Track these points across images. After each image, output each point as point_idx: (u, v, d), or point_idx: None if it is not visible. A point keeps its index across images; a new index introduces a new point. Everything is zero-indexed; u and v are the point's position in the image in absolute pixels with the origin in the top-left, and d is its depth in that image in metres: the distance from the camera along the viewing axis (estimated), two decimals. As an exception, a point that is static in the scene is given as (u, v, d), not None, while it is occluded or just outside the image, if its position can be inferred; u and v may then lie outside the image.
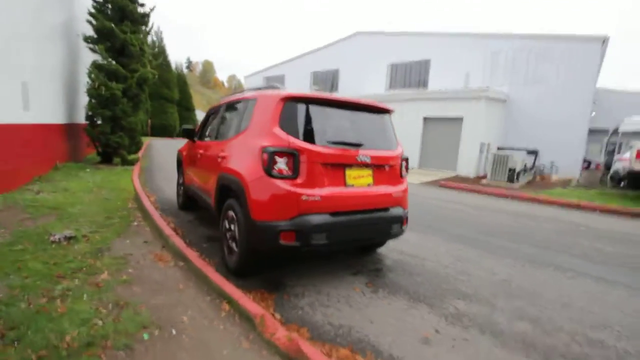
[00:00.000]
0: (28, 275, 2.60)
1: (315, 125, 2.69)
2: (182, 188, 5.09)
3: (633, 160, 7.77)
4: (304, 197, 2.56)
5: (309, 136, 2.65)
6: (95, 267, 2.87)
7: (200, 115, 30.13)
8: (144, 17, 9.31)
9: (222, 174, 3.14)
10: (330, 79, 23.30)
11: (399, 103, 15.77)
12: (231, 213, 2.96)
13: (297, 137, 2.61)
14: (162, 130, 23.36)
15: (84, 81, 8.58)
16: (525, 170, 12.10)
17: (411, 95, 16.01)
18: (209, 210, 3.71)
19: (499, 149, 13.24)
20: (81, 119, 8.91)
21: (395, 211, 3.06)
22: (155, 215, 4.33)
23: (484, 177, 12.24)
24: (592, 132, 15.65)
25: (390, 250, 3.92)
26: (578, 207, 7.57)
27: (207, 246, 3.66)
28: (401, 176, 3.20)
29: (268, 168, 2.55)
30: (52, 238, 3.40)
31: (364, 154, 2.84)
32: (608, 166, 14.58)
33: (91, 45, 8.51)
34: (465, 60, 16.87)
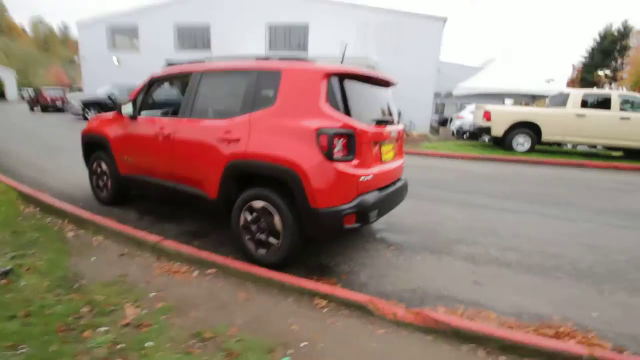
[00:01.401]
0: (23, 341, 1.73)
1: (359, 102, 2.63)
2: (110, 179, 3.97)
3: (479, 119, 10.41)
4: (361, 178, 2.56)
5: (356, 115, 2.58)
6: (99, 304, 2.12)
7: None
8: None
9: (239, 161, 2.69)
10: (200, 35, 20.69)
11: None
12: (260, 204, 2.65)
13: (348, 116, 2.51)
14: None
15: None
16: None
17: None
18: (176, 200, 3.15)
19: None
20: None
21: (404, 180, 3.40)
22: (101, 219, 3.33)
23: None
24: (447, 96, 19.60)
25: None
26: (454, 157, 9.73)
27: (209, 245, 3.15)
28: (402, 148, 3.51)
29: (329, 152, 2.39)
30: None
31: (392, 130, 2.98)
32: (442, 122, 18.93)
33: None
34: (341, 28, 17.89)
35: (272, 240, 2.67)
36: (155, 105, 4.03)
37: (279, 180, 2.58)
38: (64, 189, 4.69)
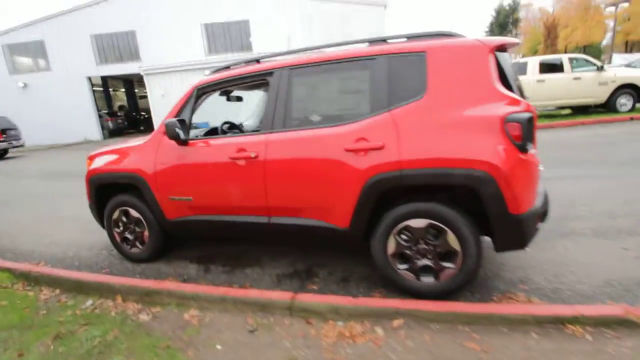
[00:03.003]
0: None
1: (511, 77, 2.18)
2: (149, 229, 3.00)
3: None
4: (540, 167, 2.16)
5: (521, 95, 2.16)
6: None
7: None
8: None
9: (388, 174, 2.06)
10: (124, 44, 18.27)
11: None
12: (422, 222, 2.09)
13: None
14: None
15: None
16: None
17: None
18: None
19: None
20: None
21: None
22: (181, 285, 2.44)
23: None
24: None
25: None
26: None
27: (333, 287, 2.49)
28: None
29: (523, 143, 1.92)
30: None
31: None
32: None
33: None
34: (285, 22, 17.18)
35: (445, 264, 2.14)
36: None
37: (455, 188, 2.05)
38: (57, 254, 3.51)
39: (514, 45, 2.15)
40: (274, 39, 17.18)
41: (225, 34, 18.14)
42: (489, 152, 1.92)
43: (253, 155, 2.41)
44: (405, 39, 2.26)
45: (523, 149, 1.94)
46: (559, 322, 1.80)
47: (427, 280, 2.19)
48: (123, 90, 25.61)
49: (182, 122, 2.57)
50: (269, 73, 2.47)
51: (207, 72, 2.97)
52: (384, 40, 2.29)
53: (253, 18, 17.45)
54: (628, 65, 13.96)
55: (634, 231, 2.96)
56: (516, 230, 1.99)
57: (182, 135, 2.57)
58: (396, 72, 2.14)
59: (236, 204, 2.61)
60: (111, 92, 23.85)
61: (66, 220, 4.72)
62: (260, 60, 2.64)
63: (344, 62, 2.28)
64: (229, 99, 3.46)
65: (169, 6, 17.31)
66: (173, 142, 2.73)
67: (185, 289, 2.35)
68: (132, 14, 17.36)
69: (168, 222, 2.89)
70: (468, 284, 2.16)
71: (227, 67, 2.76)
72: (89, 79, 18.51)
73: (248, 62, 2.69)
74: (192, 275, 2.85)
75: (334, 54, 2.31)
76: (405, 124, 2.07)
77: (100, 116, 19.33)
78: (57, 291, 2.64)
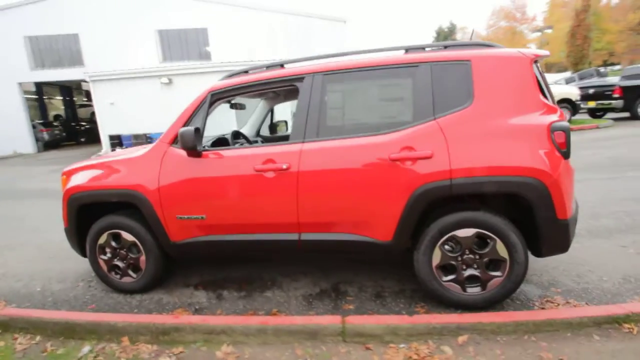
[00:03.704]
0: None
1: (548, 90, 2.27)
2: (146, 254, 2.59)
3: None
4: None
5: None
6: None
7: None
8: None
9: (439, 183, 2.00)
10: (65, 48, 16.56)
11: (185, 77, 13.76)
12: (469, 232, 2.06)
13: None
14: None
15: None
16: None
17: (201, 68, 14.36)
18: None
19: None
20: None
21: None
22: (206, 318, 2.11)
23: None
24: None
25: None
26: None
27: (368, 304, 2.33)
28: None
29: (567, 150, 1.99)
30: None
31: None
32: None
33: None
34: (247, 33, 16.86)
35: (493, 273, 2.11)
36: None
37: (504, 195, 2.05)
38: (18, 289, 2.91)
39: (545, 57, 2.24)
40: (235, 50, 16.74)
41: (182, 41, 17.30)
42: (539, 160, 1.95)
43: (285, 166, 2.21)
44: (442, 47, 2.26)
45: (567, 156, 2.00)
46: (615, 321, 1.85)
47: (473, 290, 2.15)
48: (60, 98, 23.08)
49: (197, 130, 2.28)
50: (299, 79, 2.30)
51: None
52: (422, 48, 2.26)
53: (212, 27, 16.89)
54: (554, 84, 15.94)
55: (621, 229, 3.24)
56: (563, 235, 2.04)
57: (198, 145, 2.28)
58: (440, 80, 2.11)
59: (261, 220, 2.37)
60: (46, 101, 21.33)
61: (17, 247, 3.98)
62: (285, 65, 2.46)
63: (383, 69, 2.20)
64: (232, 107, 3.19)
65: (119, 9, 16.09)
66: (182, 154, 2.42)
67: (213, 322, 2.03)
68: (74, 16, 15.82)
69: (173, 245, 2.53)
70: (513, 291, 2.15)
71: (245, 72, 2.53)
72: (20, 85, 16.39)
73: (270, 66, 2.49)
74: (205, 305, 2.51)
75: (372, 60, 2.22)
76: (453, 133, 2.04)
77: (33, 127, 17.13)
78: (38, 338, 2.13)
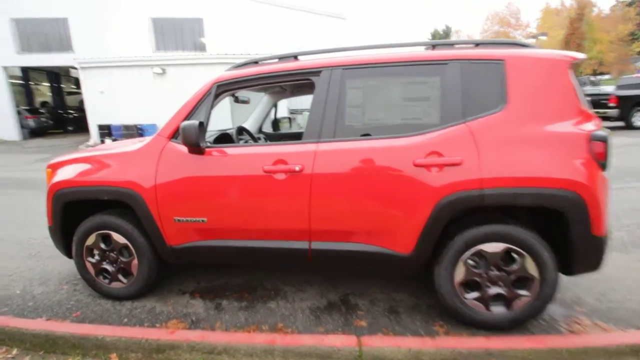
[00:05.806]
0: None
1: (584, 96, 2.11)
2: (139, 257, 2.37)
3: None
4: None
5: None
6: None
7: None
8: None
9: (468, 193, 1.83)
10: (54, 32, 15.92)
11: (180, 67, 13.41)
12: (498, 247, 1.90)
13: (588, 112, 2.00)
14: None
15: None
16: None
17: (197, 59, 14.01)
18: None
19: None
20: None
21: None
22: (220, 335, 1.90)
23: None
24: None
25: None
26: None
27: (380, 319, 2.15)
28: None
29: (605, 161, 1.84)
30: None
31: None
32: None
33: None
34: (245, 26, 16.47)
35: (521, 291, 1.95)
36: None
37: (533, 208, 1.89)
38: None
39: (582, 61, 2.09)
40: (231, 42, 16.36)
41: (177, 31, 16.81)
42: (578, 172, 1.80)
43: (298, 168, 2.01)
44: (473, 45, 2.09)
45: (605, 168, 1.86)
46: None
47: (498, 310, 2.00)
48: (47, 84, 22.26)
49: (201, 125, 2.06)
50: (316, 72, 2.10)
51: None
52: (451, 45, 2.08)
53: (208, 17, 16.46)
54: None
55: (635, 243, 3.15)
56: (597, 253, 1.90)
57: (202, 141, 2.06)
58: (471, 79, 1.94)
59: (267, 226, 2.16)
60: (32, 87, 20.54)
61: (-6, 243, 3.69)
62: (298, 57, 2.26)
63: (409, 65, 2.01)
64: (237, 101, 2.97)
65: (111, -5, 15.53)
66: (182, 150, 2.20)
67: (213, 339, 1.83)
68: (61, 0, 15.19)
69: (169, 249, 2.31)
70: (541, 312, 2.01)
71: (255, 62, 2.32)
72: (5, 68, 15.70)
73: (282, 57, 2.28)
74: (202, 316, 2.29)
75: (397, 55, 2.03)
76: (485, 138, 1.87)
77: (19, 113, 16.45)
78: (15, 351, 1.89)
